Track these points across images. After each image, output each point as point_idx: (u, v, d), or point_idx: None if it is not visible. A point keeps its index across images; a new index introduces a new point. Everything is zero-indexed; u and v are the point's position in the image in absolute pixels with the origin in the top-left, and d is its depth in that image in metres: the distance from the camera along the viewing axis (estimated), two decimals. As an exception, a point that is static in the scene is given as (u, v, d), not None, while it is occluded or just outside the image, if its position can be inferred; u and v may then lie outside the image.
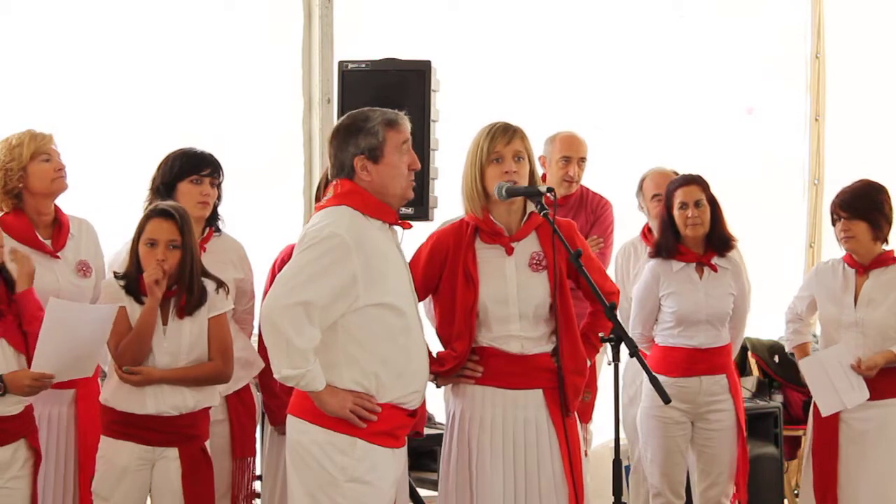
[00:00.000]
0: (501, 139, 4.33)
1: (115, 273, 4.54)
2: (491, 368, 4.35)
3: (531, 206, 4.40)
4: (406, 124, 4.12)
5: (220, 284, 4.56)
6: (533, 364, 4.34)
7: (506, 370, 4.34)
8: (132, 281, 4.47)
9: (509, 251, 4.37)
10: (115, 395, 4.45)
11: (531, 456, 4.31)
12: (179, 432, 4.46)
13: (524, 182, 4.33)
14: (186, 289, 4.46)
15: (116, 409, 4.43)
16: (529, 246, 4.40)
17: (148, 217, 4.48)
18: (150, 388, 4.42)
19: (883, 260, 5.39)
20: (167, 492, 4.45)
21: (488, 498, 4.27)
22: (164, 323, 4.45)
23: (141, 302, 4.44)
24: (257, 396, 5.08)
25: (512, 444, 4.31)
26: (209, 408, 4.56)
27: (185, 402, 4.47)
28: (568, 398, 4.34)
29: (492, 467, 4.29)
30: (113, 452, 4.43)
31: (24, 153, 4.62)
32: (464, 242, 4.36)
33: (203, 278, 4.52)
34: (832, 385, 5.30)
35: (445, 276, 4.36)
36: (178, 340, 4.46)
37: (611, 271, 6.06)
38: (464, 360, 4.33)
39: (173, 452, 4.44)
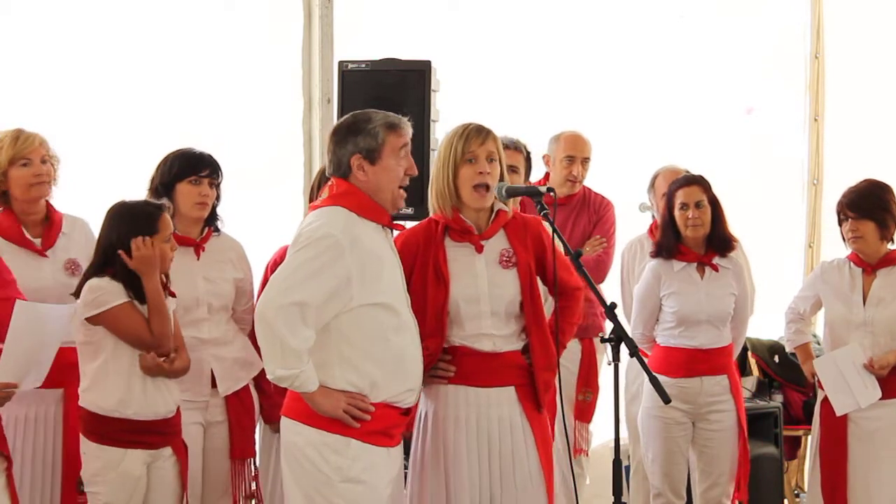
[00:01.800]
0: (475, 139, 4.33)
1: (107, 278, 4.35)
2: (463, 367, 4.33)
3: (498, 205, 4.41)
4: (408, 129, 4.13)
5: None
6: (505, 361, 4.34)
7: (478, 368, 4.32)
8: (135, 280, 4.37)
9: (479, 249, 4.37)
10: (127, 402, 4.33)
11: (506, 453, 4.31)
12: (172, 430, 4.47)
13: (495, 183, 4.33)
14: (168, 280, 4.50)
15: (133, 419, 4.33)
16: (498, 243, 4.39)
17: (157, 215, 4.40)
18: (159, 391, 4.39)
19: (890, 259, 5.40)
20: (165, 490, 4.43)
21: (464, 496, 4.27)
22: None
23: (142, 301, 4.37)
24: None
25: (487, 442, 4.30)
26: None
27: (176, 398, 4.48)
28: (539, 394, 4.34)
29: (468, 466, 4.28)
30: (126, 463, 4.34)
31: (3, 158, 4.61)
32: (434, 241, 4.35)
33: None
34: (847, 384, 5.30)
35: (416, 275, 4.34)
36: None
37: (615, 270, 6.08)
38: (436, 357, 4.32)
39: (167, 451, 4.44)
